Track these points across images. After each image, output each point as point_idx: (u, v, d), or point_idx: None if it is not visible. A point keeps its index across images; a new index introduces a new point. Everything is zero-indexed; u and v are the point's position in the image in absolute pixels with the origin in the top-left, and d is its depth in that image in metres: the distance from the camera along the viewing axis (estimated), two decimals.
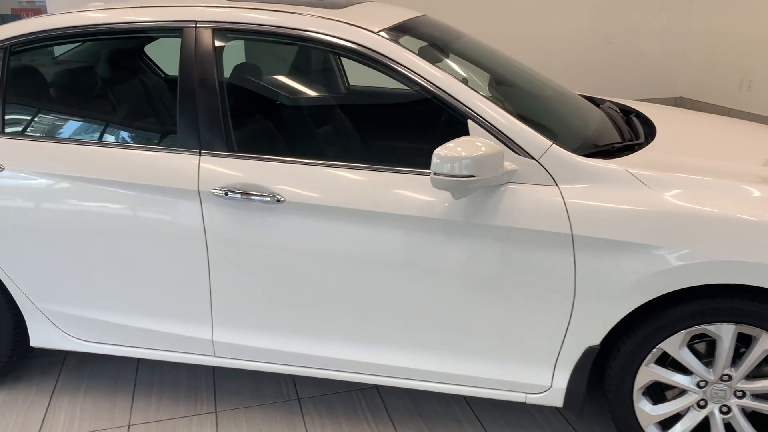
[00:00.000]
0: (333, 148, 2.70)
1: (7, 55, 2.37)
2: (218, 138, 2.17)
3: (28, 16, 2.45)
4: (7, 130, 2.34)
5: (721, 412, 2.03)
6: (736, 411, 2.02)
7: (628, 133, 2.42)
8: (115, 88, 2.75)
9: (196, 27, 2.23)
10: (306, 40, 2.18)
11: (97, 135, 2.41)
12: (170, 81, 3.15)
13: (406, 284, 2.09)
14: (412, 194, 2.03)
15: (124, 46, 2.94)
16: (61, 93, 2.58)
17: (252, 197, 2.10)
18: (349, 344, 2.22)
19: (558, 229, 1.94)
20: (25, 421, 2.43)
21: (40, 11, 6.54)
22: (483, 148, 1.88)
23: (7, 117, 2.36)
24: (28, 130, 2.37)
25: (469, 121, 2.03)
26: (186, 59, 2.21)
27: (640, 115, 2.69)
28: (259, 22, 2.19)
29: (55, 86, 2.57)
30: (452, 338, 2.14)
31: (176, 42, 2.26)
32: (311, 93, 3.05)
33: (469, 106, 2.03)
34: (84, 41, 2.63)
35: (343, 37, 2.12)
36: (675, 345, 1.97)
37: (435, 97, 2.06)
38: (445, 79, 2.06)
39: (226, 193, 2.11)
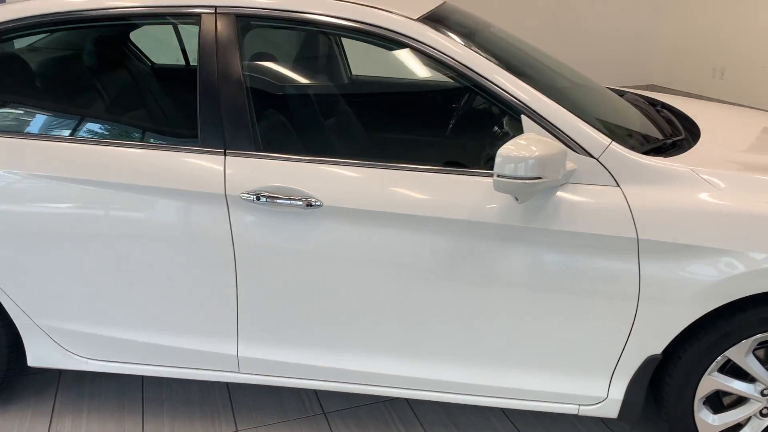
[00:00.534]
0: (371, 145, 2.51)
1: None
2: (245, 136, 1.97)
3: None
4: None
5: None
6: None
7: (668, 128, 2.31)
8: (119, 81, 2.50)
9: (216, 12, 2.01)
10: (350, 31, 1.98)
11: (102, 133, 2.18)
12: (179, 72, 2.91)
13: (456, 294, 1.94)
14: (463, 197, 1.88)
15: (120, 34, 2.69)
16: (61, 86, 2.33)
17: (285, 201, 1.91)
18: (392, 358, 2.07)
19: (623, 233, 1.82)
20: None
21: None
22: (548, 147, 1.74)
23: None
24: (21, 126, 2.11)
25: (523, 116, 1.88)
26: (205, 49, 2.00)
27: (670, 108, 2.59)
28: (295, 8, 1.98)
29: (47, 78, 2.31)
30: (503, 350, 2.01)
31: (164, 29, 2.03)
32: (341, 85, 2.85)
33: (523, 101, 1.88)
34: (76, 29, 2.37)
35: (387, 27, 1.94)
36: (741, 353, 1.89)
37: (486, 91, 1.91)
38: (499, 72, 1.90)
39: (258, 198, 1.92)
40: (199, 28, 2.01)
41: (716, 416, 1.99)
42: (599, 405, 2.02)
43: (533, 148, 1.72)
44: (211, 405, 2.42)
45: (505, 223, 1.86)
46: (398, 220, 1.89)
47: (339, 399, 2.47)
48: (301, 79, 2.63)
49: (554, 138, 1.86)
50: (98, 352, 2.20)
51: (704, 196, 1.81)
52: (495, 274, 1.90)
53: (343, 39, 2.88)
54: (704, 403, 1.99)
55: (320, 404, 2.44)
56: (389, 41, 1.96)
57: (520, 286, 1.91)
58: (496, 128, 2.29)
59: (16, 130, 2.09)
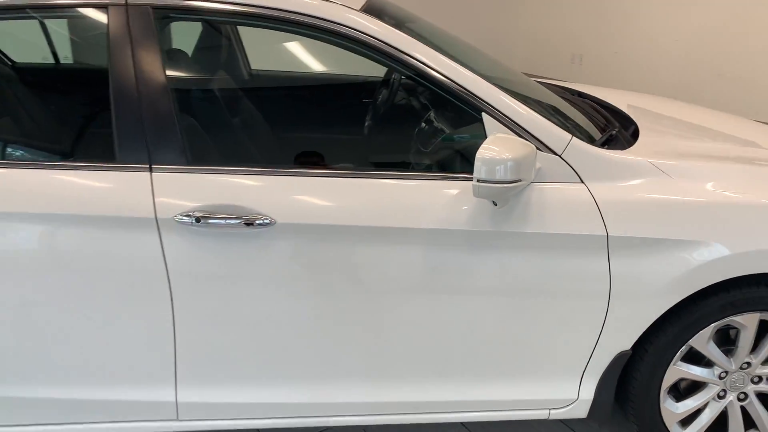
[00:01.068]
0: (320, 151, 2.28)
1: None
2: (174, 147, 1.69)
3: None
4: None
5: (738, 399, 2.02)
6: (752, 397, 2.02)
7: (601, 119, 2.31)
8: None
9: (126, 4, 1.70)
10: (287, 23, 1.75)
11: None
12: (65, 74, 2.49)
13: (425, 308, 1.80)
14: (428, 204, 1.73)
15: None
16: None
17: (230, 222, 1.67)
18: (353, 384, 1.88)
19: (593, 231, 1.76)
20: None
21: None
22: (523, 147, 1.64)
23: None
24: None
25: (484, 114, 1.77)
26: (117, 48, 1.69)
27: (590, 97, 2.60)
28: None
29: None
30: (471, 362, 1.90)
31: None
32: (287, 82, 2.56)
33: (484, 98, 1.77)
34: None
35: (329, 18, 1.74)
36: (704, 340, 1.91)
37: (444, 89, 1.77)
38: (456, 68, 1.77)
39: (198, 220, 1.65)
40: (108, 23, 1.70)
41: (679, 404, 2.01)
42: (570, 407, 1.97)
43: (512, 149, 1.61)
44: None
45: (476, 229, 1.74)
46: (359, 233, 1.71)
47: None
48: (237, 77, 2.34)
49: (518, 137, 1.76)
50: (3, 416, 1.82)
51: (667, 187, 1.79)
52: (465, 284, 1.78)
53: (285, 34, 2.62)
54: (668, 393, 2.00)
55: None
56: (333, 35, 1.76)
57: (490, 294, 1.80)
58: (437, 123, 2.17)
59: None
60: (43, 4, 1.70)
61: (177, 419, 1.88)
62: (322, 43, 1.84)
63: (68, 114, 2.24)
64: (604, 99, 2.58)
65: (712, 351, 1.93)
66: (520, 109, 1.78)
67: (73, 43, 2.62)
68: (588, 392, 1.95)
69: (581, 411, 1.98)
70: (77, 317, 1.71)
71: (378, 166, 2.25)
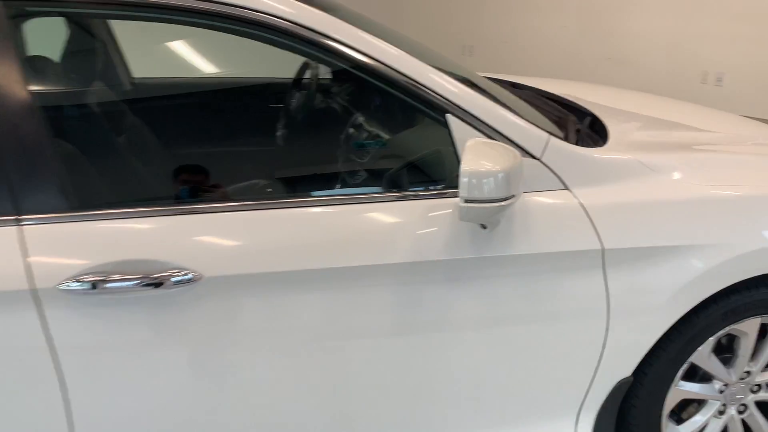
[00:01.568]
0: (242, 177, 1.82)
1: None
2: (49, 187, 1.23)
3: None
4: None
5: (738, 412, 1.82)
6: (752, 408, 1.83)
7: (555, 114, 2.04)
8: None
9: None
10: (169, 11, 1.33)
11: None
12: None
13: (400, 355, 1.45)
14: (392, 231, 1.38)
15: None
16: None
17: (137, 282, 1.24)
18: None
19: (587, 245, 1.48)
20: None
21: None
22: (508, 154, 1.33)
23: None
24: None
25: (449, 116, 1.44)
26: None
27: (539, 91, 2.35)
28: None
29: None
30: (451, 413, 1.57)
31: None
32: (193, 92, 2.07)
33: (449, 97, 1.44)
34: None
35: (253, 8, 1.34)
36: (705, 354, 1.69)
37: (401, 88, 1.42)
38: (417, 65, 1.43)
39: (94, 286, 1.21)
40: None
41: (680, 427, 1.79)
42: None
43: (498, 158, 1.29)
44: None
45: (453, 258, 1.41)
46: (315, 277, 1.34)
47: None
48: (117, 88, 1.86)
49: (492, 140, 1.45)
50: None
51: (662, 188, 1.55)
52: (443, 322, 1.45)
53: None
54: (669, 417, 1.77)
55: None
56: (233, 21, 1.36)
57: (475, 333, 1.48)
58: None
59: None
60: None
61: None
62: (219, 39, 1.44)
63: None
64: (539, 88, 2.34)
65: (713, 364, 1.72)
66: (488, 106, 1.47)
67: None
68: (586, 428, 1.68)
69: None
70: None
71: (306, 183, 1.88)
